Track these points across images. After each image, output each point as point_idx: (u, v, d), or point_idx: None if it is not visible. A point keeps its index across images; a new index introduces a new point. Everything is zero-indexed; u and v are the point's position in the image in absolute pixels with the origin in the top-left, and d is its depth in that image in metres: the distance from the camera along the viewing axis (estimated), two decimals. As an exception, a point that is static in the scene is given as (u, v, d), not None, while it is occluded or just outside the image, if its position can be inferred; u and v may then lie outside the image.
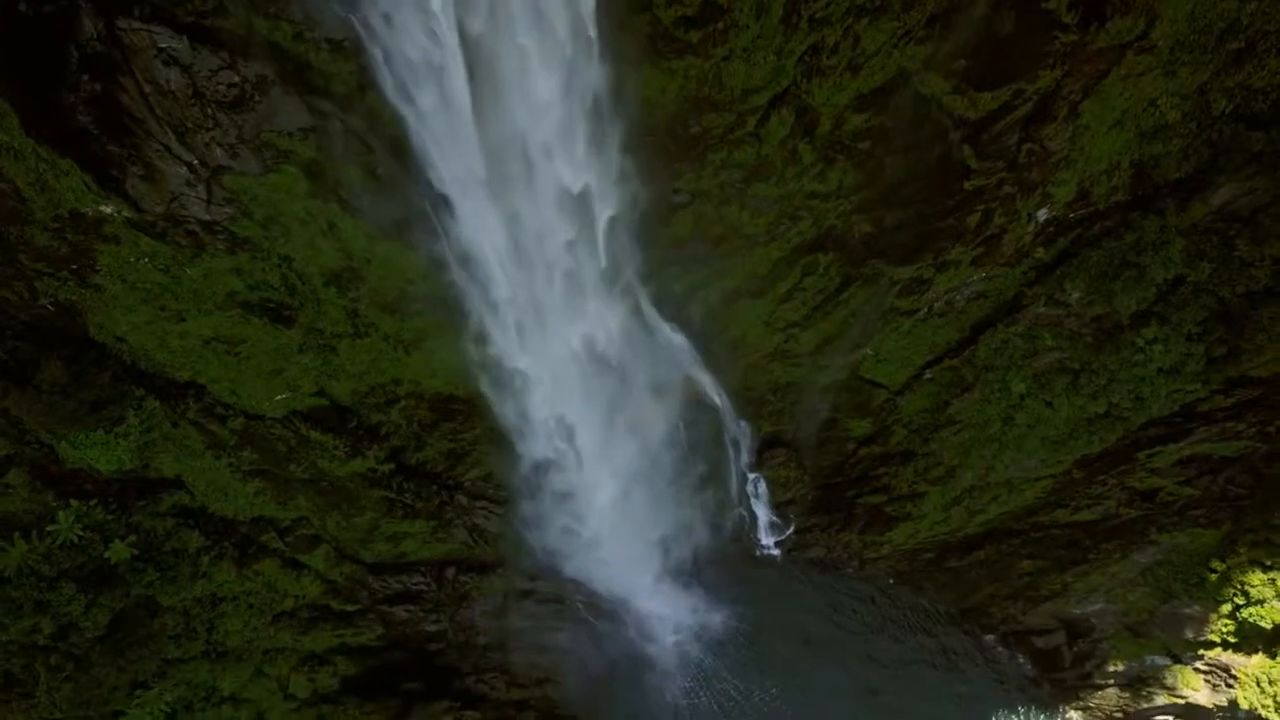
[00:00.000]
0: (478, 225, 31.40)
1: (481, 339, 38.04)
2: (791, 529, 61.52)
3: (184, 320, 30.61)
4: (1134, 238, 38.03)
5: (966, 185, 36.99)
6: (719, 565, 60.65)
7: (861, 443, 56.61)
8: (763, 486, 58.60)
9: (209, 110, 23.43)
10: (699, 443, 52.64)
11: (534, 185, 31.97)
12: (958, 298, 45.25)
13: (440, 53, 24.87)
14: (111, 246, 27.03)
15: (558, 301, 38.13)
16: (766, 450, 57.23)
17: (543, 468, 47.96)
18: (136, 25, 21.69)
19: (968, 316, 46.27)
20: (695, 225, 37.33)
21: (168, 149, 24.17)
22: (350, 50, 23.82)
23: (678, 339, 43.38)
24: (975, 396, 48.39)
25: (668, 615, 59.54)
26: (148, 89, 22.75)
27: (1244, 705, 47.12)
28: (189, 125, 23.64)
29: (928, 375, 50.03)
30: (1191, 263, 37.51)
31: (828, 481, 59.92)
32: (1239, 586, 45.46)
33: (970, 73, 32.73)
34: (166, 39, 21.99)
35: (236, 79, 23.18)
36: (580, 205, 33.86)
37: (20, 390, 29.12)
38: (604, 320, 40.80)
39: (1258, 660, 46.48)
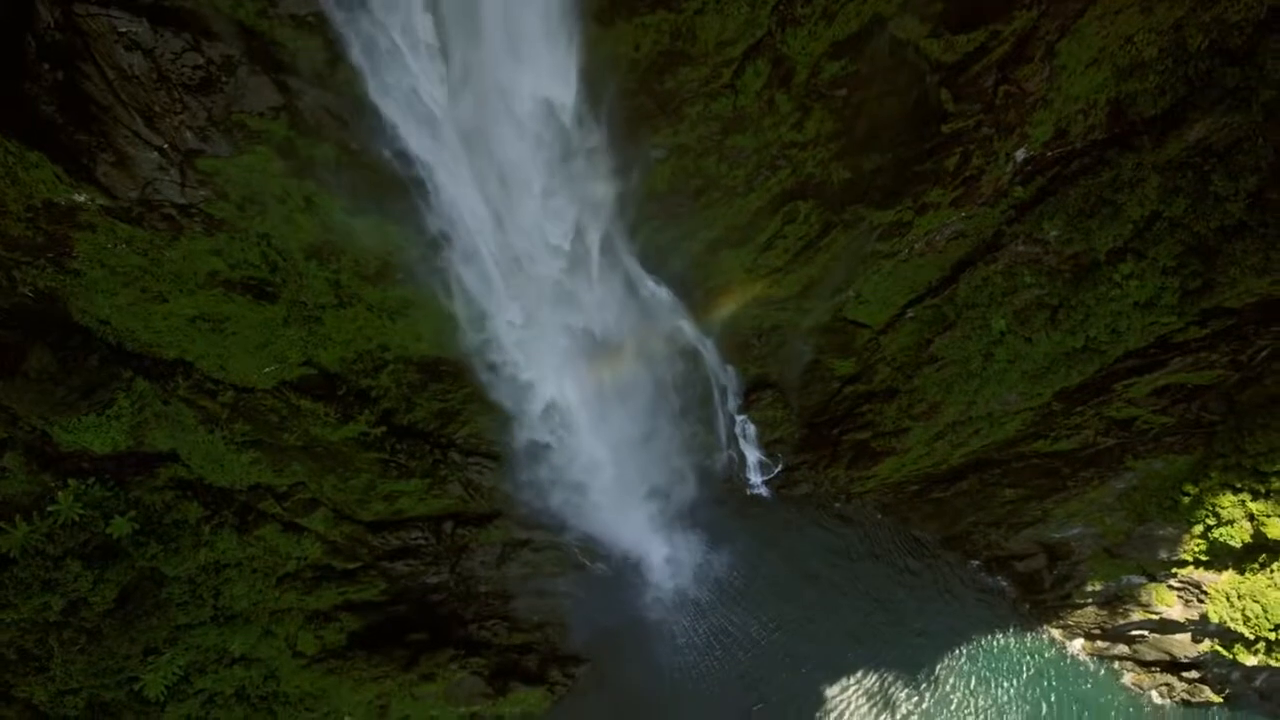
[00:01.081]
0: (477, 262, 33.95)
1: (485, 346, 40.25)
2: (780, 467, 62.71)
3: (166, 301, 30.49)
4: (1111, 175, 38.14)
5: (944, 128, 36.86)
6: (713, 507, 62.16)
7: (846, 381, 57.40)
8: (750, 428, 59.45)
9: (176, 94, 22.94)
10: (687, 393, 53.36)
11: (531, 236, 34.82)
12: (938, 238, 45.37)
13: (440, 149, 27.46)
14: (88, 234, 26.74)
15: (558, 310, 40.28)
16: (753, 393, 57.94)
17: (540, 447, 49.30)
18: (94, 10, 21.07)
19: (948, 256, 46.47)
20: (674, 179, 37.14)
21: (137, 135, 23.74)
22: (316, 25, 23.33)
23: (662, 292, 43.59)
24: (956, 334, 48.95)
25: (666, 557, 61.17)
26: (111, 75, 22.23)
27: (1214, 619, 49.43)
28: (156, 110, 23.16)
29: (910, 314, 50.46)
30: (1167, 199, 37.76)
31: (814, 420, 60.93)
32: (1210, 508, 47.16)
33: (946, 15, 32.36)
34: (126, 23, 21.40)
35: (201, 60, 22.64)
36: (574, 247, 36.86)
37: (9, 379, 29.18)
38: (600, 312, 41.66)
39: (1228, 576, 48.55)
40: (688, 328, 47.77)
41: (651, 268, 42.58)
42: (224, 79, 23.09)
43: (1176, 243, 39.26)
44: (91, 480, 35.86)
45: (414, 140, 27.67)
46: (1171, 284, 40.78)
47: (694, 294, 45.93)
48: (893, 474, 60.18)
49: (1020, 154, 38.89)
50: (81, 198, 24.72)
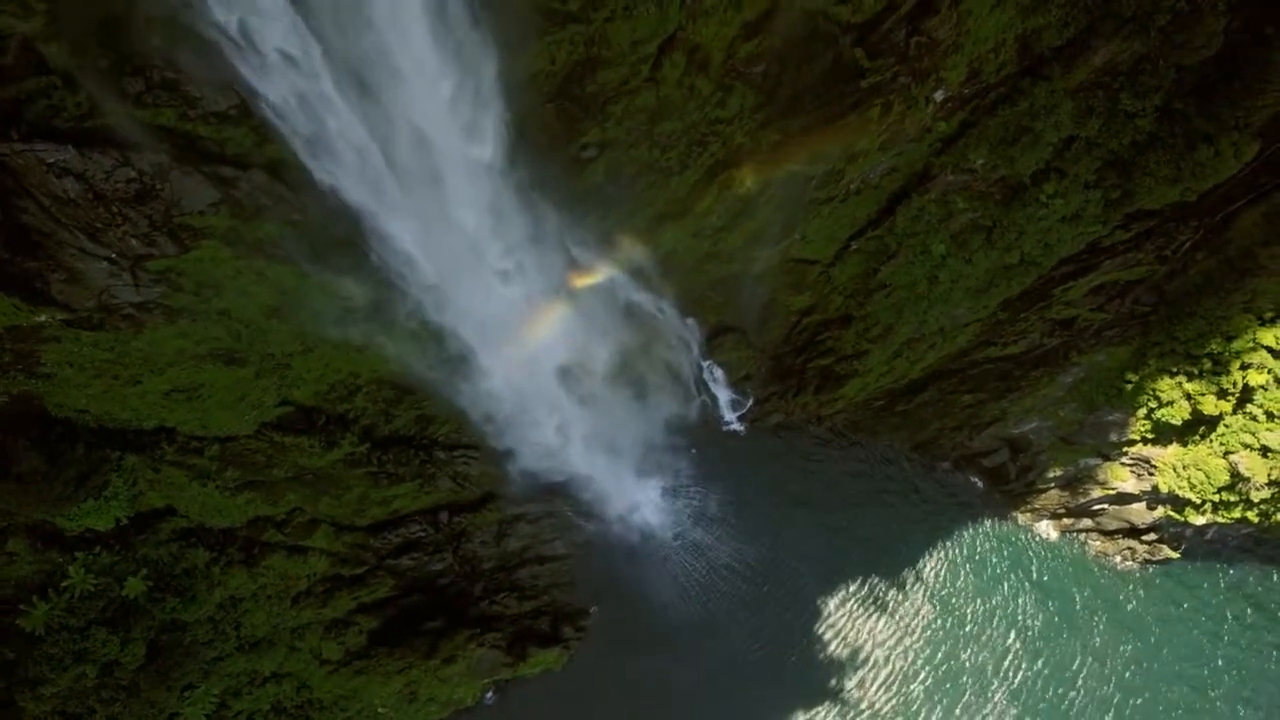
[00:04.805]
0: (434, 290, 34.98)
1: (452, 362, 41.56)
2: (751, 402, 65.10)
3: (140, 383, 31.09)
4: (1026, 104, 39.41)
5: (863, 84, 37.67)
6: (694, 451, 64.74)
7: (803, 313, 59.34)
8: (718, 371, 61.44)
9: (114, 208, 23.19)
10: (653, 353, 55.01)
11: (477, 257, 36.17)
12: (871, 175, 46.61)
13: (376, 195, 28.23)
14: (53, 345, 27.18)
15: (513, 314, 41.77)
16: (715, 338, 59.69)
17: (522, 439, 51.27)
18: (19, 147, 21.14)
19: (883, 190, 47.84)
20: (609, 171, 37.70)
21: (83, 251, 24.01)
22: (238, 116, 23.58)
23: (613, 272, 44.63)
24: (901, 261, 50.84)
25: (656, 505, 63.96)
26: (47, 202, 22.41)
27: (1164, 488, 53.45)
28: (98, 226, 23.37)
29: (854, 247, 52.08)
30: (1081, 120, 39.24)
31: (778, 352, 63.12)
32: (1151, 392, 50.42)
33: (850, -18, 32.90)
34: (52, 153, 21.50)
35: (134, 173, 22.86)
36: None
37: (2, 482, 30.01)
38: (556, 301, 43.17)
39: (1173, 450, 52.29)
40: (642, 297, 49.04)
41: (598, 252, 43.48)
42: (159, 186, 23.38)
43: (1095, 159, 41.00)
44: (97, 549, 36.97)
45: (352, 193, 28.20)
46: (1094, 196, 42.72)
47: (643, 265, 47.00)
48: (858, 393, 62.86)
49: (939, 95, 39.87)
50: (42, 318, 25.17)
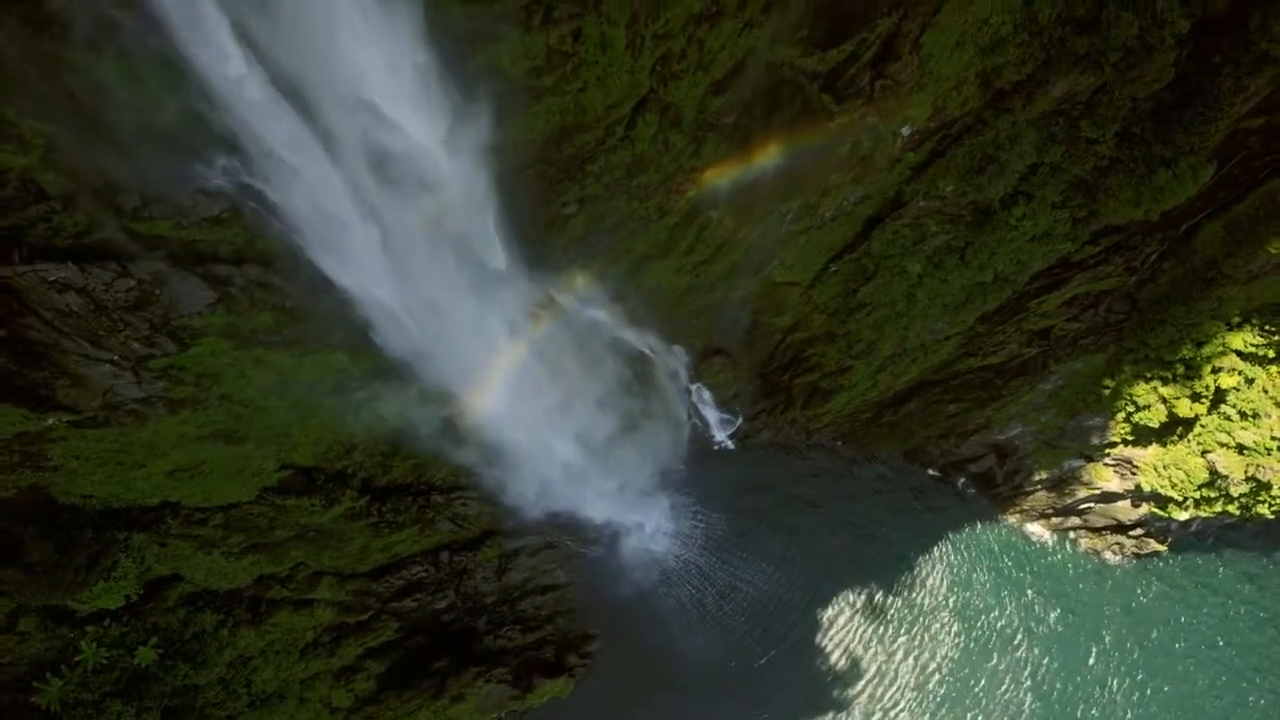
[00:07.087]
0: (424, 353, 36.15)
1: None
2: (740, 420, 66.14)
3: (144, 467, 31.84)
4: (991, 134, 40.59)
5: (831, 125, 38.78)
6: (687, 471, 65.66)
7: (787, 331, 60.37)
8: (706, 393, 62.42)
9: (115, 315, 23.89)
10: (641, 384, 55.97)
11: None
12: (846, 203, 47.71)
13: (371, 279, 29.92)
14: (60, 443, 27.91)
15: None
16: (702, 361, 60.64)
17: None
18: (21, 269, 21.93)
19: (858, 215, 48.87)
20: (589, 223, 38.67)
21: (86, 356, 24.69)
22: (230, 219, 24.34)
23: (598, 315, 45.53)
24: (879, 282, 51.95)
25: (654, 526, 64.90)
26: (50, 316, 23.09)
27: (1146, 487, 54.90)
28: (100, 333, 24.21)
29: (833, 269, 53.12)
30: (1044, 148, 40.41)
31: (764, 371, 64.12)
32: (1128, 397, 51.81)
33: (813, 37, 33.89)
34: (53, 271, 22.18)
35: (133, 282, 23.58)
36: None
37: (13, 568, 30.61)
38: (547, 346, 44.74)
39: (1153, 450, 53.71)
40: (628, 334, 49.96)
41: (581, 296, 44.39)
42: (157, 291, 24.10)
43: (1060, 182, 42.19)
44: (107, 621, 37.54)
45: (347, 278, 29.10)
46: (1061, 216, 43.94)
47: (627, 304, 47.94)
48: (845, 407, 63.99)
49: (905, 130, 41.02)
50: (49, 422, 25.88)
